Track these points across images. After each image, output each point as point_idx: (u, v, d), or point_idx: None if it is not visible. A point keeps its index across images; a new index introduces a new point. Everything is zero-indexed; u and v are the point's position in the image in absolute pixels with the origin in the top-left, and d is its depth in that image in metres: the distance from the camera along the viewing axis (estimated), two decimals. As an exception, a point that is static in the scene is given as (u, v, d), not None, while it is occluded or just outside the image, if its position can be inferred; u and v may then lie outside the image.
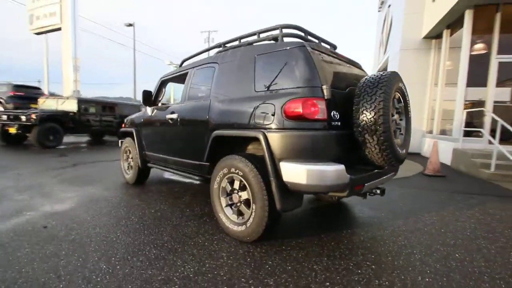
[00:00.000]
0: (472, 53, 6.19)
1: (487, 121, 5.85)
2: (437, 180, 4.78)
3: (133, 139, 3.86)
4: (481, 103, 6.20)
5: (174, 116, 2.92)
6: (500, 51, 5.73)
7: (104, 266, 1.78)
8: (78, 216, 2.66)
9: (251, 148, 2.45)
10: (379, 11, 14.22)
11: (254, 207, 2.02)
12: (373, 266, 1.86)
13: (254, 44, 2.45)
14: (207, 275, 1.71)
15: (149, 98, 3.39)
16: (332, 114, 1.86)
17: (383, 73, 1.98)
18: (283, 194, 1.89)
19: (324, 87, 1.83)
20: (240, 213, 2.21)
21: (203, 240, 2.21)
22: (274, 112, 1.92)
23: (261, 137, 1.94)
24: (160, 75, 3.64)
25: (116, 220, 2.60)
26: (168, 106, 3.35)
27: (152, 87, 3.59)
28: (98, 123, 9.93)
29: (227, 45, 2.84)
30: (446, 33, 7.24)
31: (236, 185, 2.20)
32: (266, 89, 2.06)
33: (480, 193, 3.92)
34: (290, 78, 1.95)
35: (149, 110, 3.42)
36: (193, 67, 2.94)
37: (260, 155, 2.24)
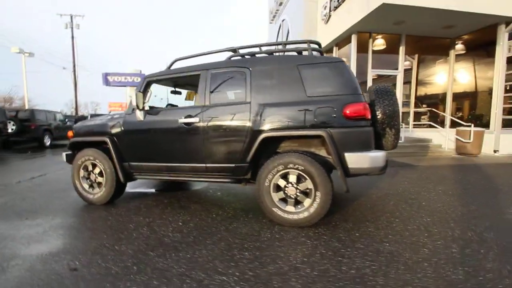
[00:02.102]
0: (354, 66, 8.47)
1: (369, 116, 8.23)
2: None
3: (105, 151, 3.21)
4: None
5: (193, 120, 2.77)
6: (373, 66, 8.19)
7: (225, 278, 1.72)
8: (99, 249, 2.15)
9: (285, 146, 2.76)
10: (270, 23, 16.30)
11: (318, 194, 2.38)
12: (399, 223, 2.66)
13: (284, 54, 2.76)
14: (316, 256, 1.98)
15: (143, 101, 2.97)
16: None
17: (387, 85, 2.80)
18: (345, 178, 2.37)
19: (364, 94, 2.43)
20: (297, 203, 2.51)
21: (271, 234, 2.37)
22: (335, 114, 2.35)
23: (326, 135, 2.33)
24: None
25: (155, 241, 2.28)
26: (163, 110, 3.07)
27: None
28: None
29: (239, 50, 2.98)
30: (335, 49, 9.46)
31: (293, 179, 2.48)
32: (318, 95, 2.45)
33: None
34: (338, 86, 2.43)
35: (139, 114, 2.98)
36: (207, 69, 2.87)
37: (305, 150, 2.62)
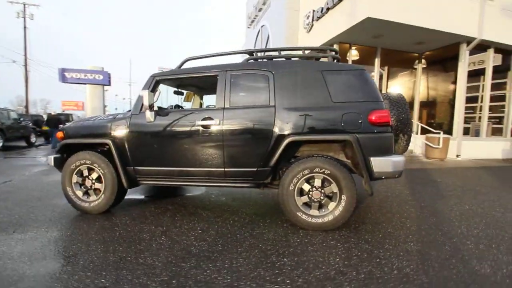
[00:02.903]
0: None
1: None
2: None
3: (103, 153, 2.94)
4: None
5: (212, 122, 2.66)
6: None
7: (278, 286, 1.66)
8: (122, 263, 1.94)
9: (304, 150, 2.79)
10: (248, 27, 16.40)
11: (343, 197, 2.43)
12: (412, 223, 2.82)
13: (304, 59, 2.79)
14: (354, 258, 2.01)
15: (153, 101, 2.77)
16: (387, 120, 2.62)
17: (400, 94, 2.97)
18: (369, 182, 2.45)
19: (384, 102, 2.56)
20: (320, 207, 2.53)
21: (299, 239, 2.35)
22: (361, 120, 2.43)
23: (353, 139, 2.40)
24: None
25: (181, 251, 2.13)
26: (174, 111, 2.92)
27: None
28: None
29: (256, 54, 2.96)
30: (316, 57, 9.84)
31: (318, 183, 2.50)
32: (343, 101, 2.51)
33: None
34: (362, 93, 2.52)
35: (149, 115, 2.77)
36: (225, 70, 2.78)
37: (325, 154, 2.66)
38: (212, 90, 3.89)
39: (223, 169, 2.71)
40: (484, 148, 8.30)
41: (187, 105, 4.18)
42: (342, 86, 2.56)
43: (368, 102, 2.50)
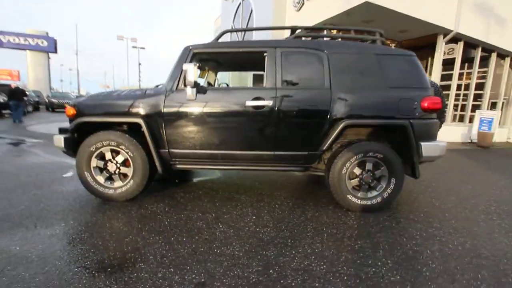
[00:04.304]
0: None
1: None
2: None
3: (134, 135, 2.60)
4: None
5: (265, 103, 2.48)
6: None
7: (375, 269, 1.70)
8: (199, 256, 1.79)
9: (347, 134, 2.79)
10: (226, 0, 15.40)
11: (393, 180, 2.54)
12: (439, 202, 3.07)
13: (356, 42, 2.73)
14: (417, 238, 2.14)
15: (196, 76, 2.47)
16: (431, 106, 2.73)
17: (434, 81, 3.09)
18: (419, 165, 2.58)
19: (432, 88, 2.65)
20: (370, 189, 2.60)
21: (356, 221, 2.41)
22: (415, 106, 2.49)
23: (408, 125, 2.46)
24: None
25: (251, 239, 2.04)
26: (214, 89, 2.67)
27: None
28: None
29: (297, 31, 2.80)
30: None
31: (369, 167, 2.55)
32: (397, 86, 2.53)
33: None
34: (414, 79, 2.56)
35: (191, 92, 2.48)
36: (274, 47, 2.59)
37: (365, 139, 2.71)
38: (241, 67, 3.67)
39: (272, 152, 2.60)
40: (448, 133, 9.29)
41: (200, 81, 3.86)
42: (395, 70, 2.58)
43: (420, 88, 2.56)
